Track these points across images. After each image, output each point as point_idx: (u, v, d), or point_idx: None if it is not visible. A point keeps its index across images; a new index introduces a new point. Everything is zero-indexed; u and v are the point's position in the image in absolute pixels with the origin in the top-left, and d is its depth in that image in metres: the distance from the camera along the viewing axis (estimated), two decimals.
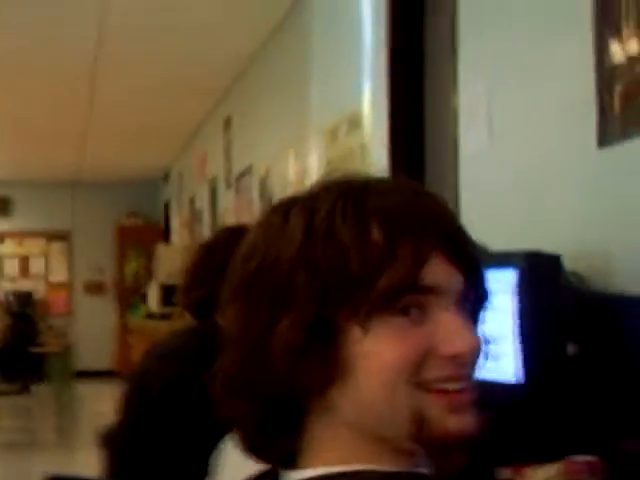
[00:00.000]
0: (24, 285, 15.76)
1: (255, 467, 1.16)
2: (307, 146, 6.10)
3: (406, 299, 1.03)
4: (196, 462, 2.33)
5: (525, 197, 3.22)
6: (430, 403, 1.03)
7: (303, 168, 6.20)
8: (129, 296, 15.34)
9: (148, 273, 14.74)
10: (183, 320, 4.47)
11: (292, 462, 1.11)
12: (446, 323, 1.04)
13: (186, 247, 10.76)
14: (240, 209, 8.42)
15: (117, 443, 2.98)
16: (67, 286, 16.59)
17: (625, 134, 2.65)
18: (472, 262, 1.07)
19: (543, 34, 3.13)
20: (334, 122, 5.40)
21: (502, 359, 2.41)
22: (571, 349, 2.36)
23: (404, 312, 1.03)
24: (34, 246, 16.57)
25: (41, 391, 9.97)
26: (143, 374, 2.90)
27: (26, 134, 11.44)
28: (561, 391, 2.34)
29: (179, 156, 13.27)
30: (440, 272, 1.04)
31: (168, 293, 9.62)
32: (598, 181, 2.79)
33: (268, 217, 1.11)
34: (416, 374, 1.03)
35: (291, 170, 6.53)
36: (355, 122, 5.00)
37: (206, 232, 10.13)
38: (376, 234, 1.03)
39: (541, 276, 2.39)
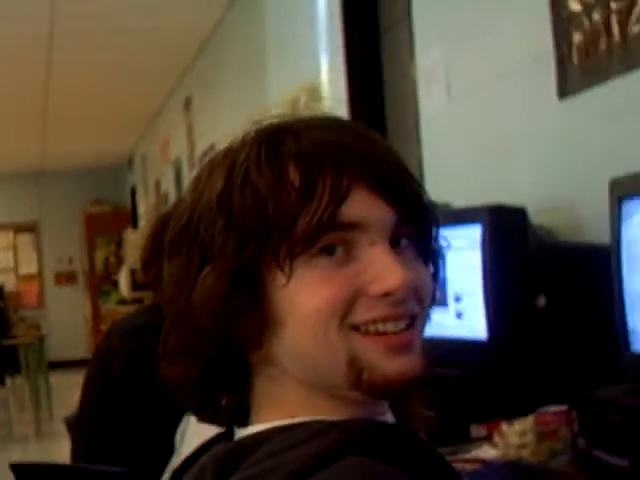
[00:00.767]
0: None
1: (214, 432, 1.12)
2: None
3: (327, 238, 0.98)
4: (160, 439, 2.30)
5: (488, 155, 3.19)
6: (366, 347, 0.99)
7: None
8: (100, 284, 15.29)
9: (118, 260, 14.70)
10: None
11: (245, 421, 1.07)
12: (373, 260, 0.99)
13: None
14: None
15: (80, 424, 2.94)
16: (37, 277, 16.49)
17: (585, 83, 2.62)
18: (405, 195, 1.01)
19: None
20: (293, 94, 5.37)
21: (470, 316, 2.38)
22: (540, 302, 2.33)
23: (329, 252, 0.99)
24: (1, 239, 16.46)
25: (16, 383, 9.90)
26: (104, 353, 2.86)
27: None
28: (531, 344, 2.31)
29: (142, 140, 13.22)
30: (363, 207, 0.99)
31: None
32: (561, 133, 2.76)
33: (199, 172, 1.07)
34: (348, 317, 0.98)
35: None
36: (314, 93, 4.97)
37: None
38: (292, 175, 0.99)
39: (506, 230, 2.35)
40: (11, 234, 16.46)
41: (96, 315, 14.52)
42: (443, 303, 2.43)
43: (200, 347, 1.02)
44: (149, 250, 2.73)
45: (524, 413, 2.12)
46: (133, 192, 14.77)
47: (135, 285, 9.88)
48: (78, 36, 7.72)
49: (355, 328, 0.99)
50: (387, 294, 0.98)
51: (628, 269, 1.97)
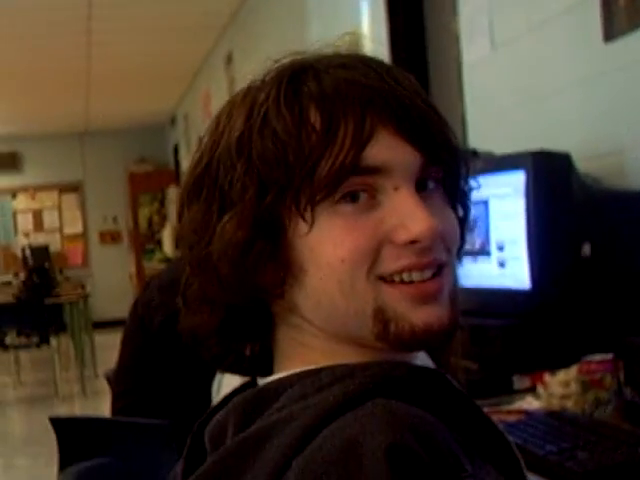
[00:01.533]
0: (39, 239, 15.72)
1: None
2: None
3: (350, 183, 0.94)
4: (199, 392, 2.27)
5: (532, 102, 3.12)
6: (393, 297, 0.95)
7: None
8: (144, 243, 15.34)
9: (161, 218, 14.74)
10: None
11: (269, 371, 1.04)
12: (398, 206, 0.95)
13: None
14: None
15: (120, 378, 2.92)
16: (82, 237, 16.58)
17: (631, 26, 2.54)
18: (431, 137, 0.96)
19: None
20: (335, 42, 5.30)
21: (514, 265, 2.33)
22: (585, 250, 2.27)
23: (352, 199, 0.94)
24: (47, 199, 16.53)
25: (61, 343, 9.95)
26: (143, 307, 2.83)
27: (29, 87, 11.37)
28: (575, 294, 2.26)
29: (184, 98, 13.20)
30: (387, 150, 0.94)
31: None
32: (606, 77, 2.68)
33: (219, 112, 1.03)
34: (375, 268, 0.94)
35: None
36: (356, 41, 4.90)
37: None
38: (313, 118, 0.94)
39: (550, 176, 2.29)
40: (56, 194, 16.54)
41: (140, 274, 14.57)
42: (486, 252, 2.37)
43: (221, 296, 0.99)
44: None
45: (568, 364, 2.07)
46: (176, 150, 14.77)
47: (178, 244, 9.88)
48: None
49: (382, 278, 0.95)
50: (413, 241, 0.94)
51: None
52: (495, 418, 0.99)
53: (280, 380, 0.98)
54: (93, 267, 16.33)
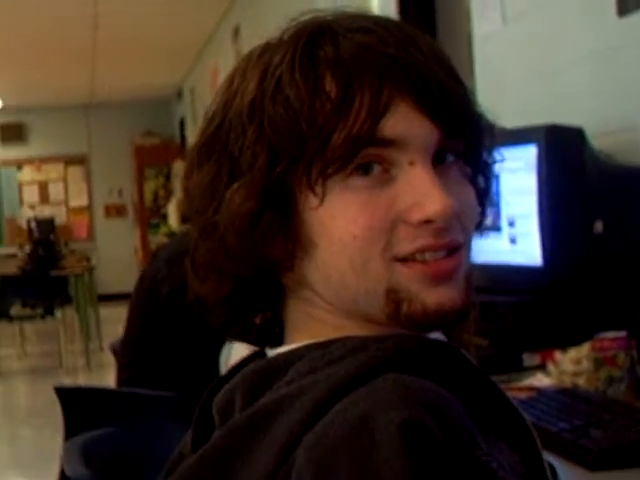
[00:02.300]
0: (44, 211, 15.71)
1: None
2: None
3: (364, 155, 0.90)
4: (207, 363, 2.26)
5: (544, 76, 3.09)
6: (407, 277, 0.92)
7: None
8: (149, 217, 15.31)
9: (167, 192, 14.71)
10: None
11: (279, 342, 1.01)
12: (413, 182, 0.91)
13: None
14: None
15: (126, 349, 2.91)
16: (87, 210, 16.57)
17: None
18: (451, 111, 0.93)
19: None
20: None
21: (525, 242, 2.31)
22: (597, 227, 2.25)
23: (365, 171, 0.91)
24: (52, 172, 16.50)
25: (66, 315, 9.96)
26: (150, 278, 2.82)
27: (35, 58, 11.33)
28: (587, 271, 2.23)
29: (191, 72, 13.15)
30: (404, 122, 0.91)
31: None
32: (620, 52, 2.65)
33: (233, 70, 0.99)
34: (389, 247, 0.92)
35: None
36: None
37: None
38: (329, 86, 0.91)
39: (563, 150, 2.27)
40: (61, 166, 16.51)
41: (145, 248, 14.56)
42: (497, 228, 2.35)
43: (229, 266, 0.97)
44: None
45: (578, 342, 2.05)
46: (182, 124, 14.73)
47: (184, 217, 9.89)
48: None
49: (396, 258, 0.92)
50: (428, 221, 0.91)
51: None
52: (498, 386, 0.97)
53: (290, 352, 0.96)
54: (98, 240, 16.32)
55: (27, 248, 11.04)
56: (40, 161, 16.28)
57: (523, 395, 1.91)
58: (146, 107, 16.01)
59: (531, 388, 1.98)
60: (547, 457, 0.98)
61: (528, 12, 3.18)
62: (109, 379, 6.15)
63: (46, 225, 12.77)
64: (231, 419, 0.93)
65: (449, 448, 0.79)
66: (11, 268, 10.12)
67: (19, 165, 16.33)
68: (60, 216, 15.83)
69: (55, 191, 16.50)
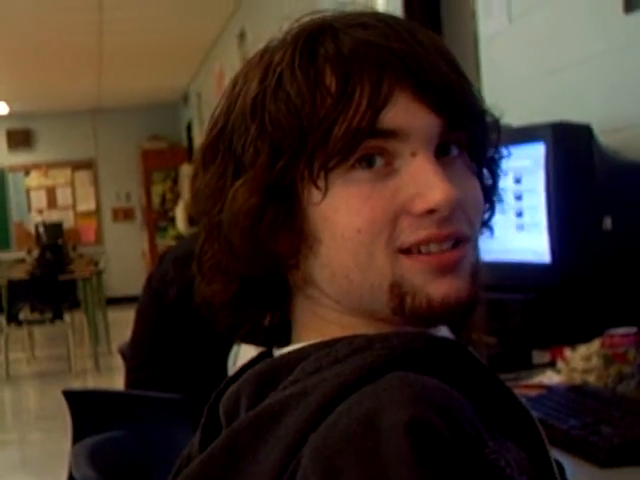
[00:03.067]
0: (52, 216, 15.74)
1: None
2: None
3: (365, 147, 0.90)
4: (214, 365, 2.26)
5: (551, 75, 3.08)
6: (411, 269, 0.92)
7: None
8: (157, 220, 15.32)
9: (174, 196, 14.72)
10: None
11: (286, 342, 1.01)
12: (415, 173, 0.91)
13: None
14: None
15: (134, 352, 2.91)
16: (95, 214, 16.58)
17: None
18: (452, 101, 0.92)
19: None
20: None
21: (534, 239, 2.30)
22: (606, 224, 2.24)
23: (368, 164, 0.91)
24: (60, 176, 16.53)
25: (74, 318, 9.97)
26: (158, 280, 2.82)
27: (41, 64, 11.35)
28: (596, 268, 2.22)
29: (197, 76, 13.17)
30: (405, 113, 0.91)
31: None
32: (626, 49, 2.64)
33: (237, 72, 1.00)
34: (393, 240, 0.91)
35: None
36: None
37: None
38: (329, 80, 0.91)
39: (571, 148, 2.26)
40: (69, 171, 16.54)
41: (153, 251, 14.57)
42: (505, 225, 2.34)
43: (235, 266, 0.96)
44: None
45: (587, 339, 2.04)
46: (189, 128, 14.75)
47: (192, 220, 9.90)
48: None
49: (400, 251, 0.91)
50: (431, 211, 0.90)
51: None
52: (515, 392, 0.96)
53: (295, 351, 0.95)
54: (106, 244, 16.34)
55: (35, 253, 11.07)
56: (47, 166, 16.30)
57: (532, 392, 1.90)
58: (153, 111, 16.03)
59: (540, 386, 1.97)
60: (555, 455, 0.97)
61: (534, 10, 3.17)
62: (118, 382, 6.15)
63: (54, 230, 12.82)
64: (237, 420, 0.93)
65: (456, 447, 0.79)
66: (20, 273, 10.15)
67: (27, 170, 16.35)
68: (68, 221, 15.86)
69: (63, 196, 16.52)
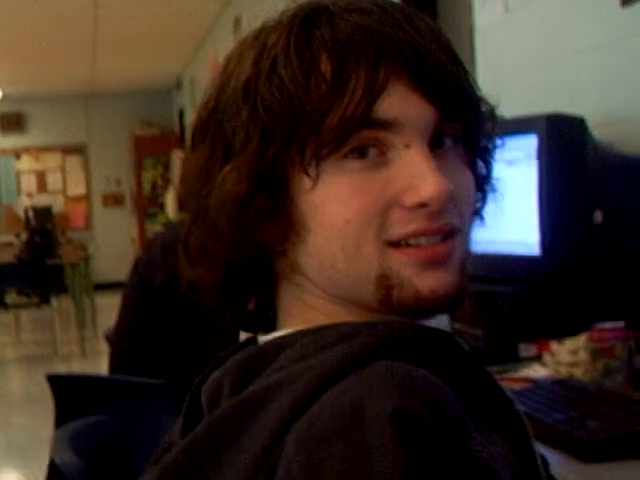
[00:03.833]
0: (42, 200, 15.69)
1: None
2: None
3: (358, 137, 0.89)
4: (197, 352, 2.24)
5: (546, 66, 3.07)
6: (399, 262, 0.90)
7: None
8: (147, 206, 15.30)
9: (165, 182, 14.71)
10: None
11: (272, 329, 1.00)
12: (408, 165, 0.89)
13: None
14: None
15: (119, 337, 2.88)
16: (85, 199, 16.55)
17: None
18: (448, 92, 0.91)
19: None
20: None
21: (524, 231, 2.28)
22: (597, 217, 2.23)
23: (360, 154, 0.89)
24: (50, 161, 16.50)
25: (62, 303, 9.96)
26: (145, 265, 2.79)
27: (35, 48, 11.32)
28: (586, 261, 2.21)
29: (190, 62, 13.15)
30: (400, 103, 0.89)
31: None
32: (622, 42, 2.63)
33: (230, 51, 0.98)
34: (382, 231, 0.90)
35: None
36: None
37: None
38: (324, 66, 0.89)
39: (564, 140, 2.25)
40: (60, 156, 16.50)
41: (143, 237, 14.55)
42: (495, 217, 2.32)
43: (221, 251, 0.95)
44: None
45: (574, 333, 2.03)
46: (181, 114, 14.72)
47: (181, 206, 9.86)
48: None
49: (389, 243, 0.90)
50: (422, 205, 0.89)
51: None
52: (501, 385, 0.95)
53: (280, 338, 0.94)
54: (95, 229, 16.32)
55: (24, 236, 11.05)
56: (38, 150, 16.26)
57: (518, 386, 1.89)
58: (145, 97, 16.00)
59: (526, 379, 1.96)
60: (540, 449, 0.96)
61: (530, 2, 3.16)
62: (104, 367, 6.13)
63: (43, 214, 12.77)
64: (219, 407, 0.91)
65: (441, 437, 0.77)
66: (7, 256, 10.12)
67: (17, 154, 16.31)
68: (58, 205, 15.82)
69: (53, 180, 16.49)
